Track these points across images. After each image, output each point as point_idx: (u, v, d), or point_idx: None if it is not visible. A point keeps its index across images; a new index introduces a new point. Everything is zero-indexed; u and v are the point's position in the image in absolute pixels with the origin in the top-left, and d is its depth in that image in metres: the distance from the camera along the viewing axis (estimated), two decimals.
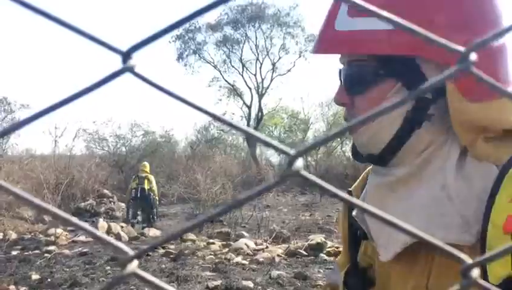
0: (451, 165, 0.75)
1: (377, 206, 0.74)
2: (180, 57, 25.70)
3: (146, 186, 11.34)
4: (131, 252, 0.23)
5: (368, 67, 0.78)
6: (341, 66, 0.85)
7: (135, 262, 0.24)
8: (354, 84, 0.82)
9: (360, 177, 0.97)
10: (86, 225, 0.25)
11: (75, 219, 0.24)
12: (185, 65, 25.80)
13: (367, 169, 0.94)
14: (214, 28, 24.69)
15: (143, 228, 10.94)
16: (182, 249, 8.03)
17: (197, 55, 25.55)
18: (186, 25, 25.04)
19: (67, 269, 6.84)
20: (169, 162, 19.99)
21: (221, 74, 25.45)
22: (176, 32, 25.35)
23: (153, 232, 10.32)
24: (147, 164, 12.10)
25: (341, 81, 0.84)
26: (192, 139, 26.37)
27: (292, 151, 0.20)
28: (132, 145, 20.90)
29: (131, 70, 0.22)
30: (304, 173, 0.20)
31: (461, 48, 0.19)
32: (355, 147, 0.86)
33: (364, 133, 0.81)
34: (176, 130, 23.13)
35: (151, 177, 11.62)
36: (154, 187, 11.60)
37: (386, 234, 0.79)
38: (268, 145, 0.21)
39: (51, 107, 0.23)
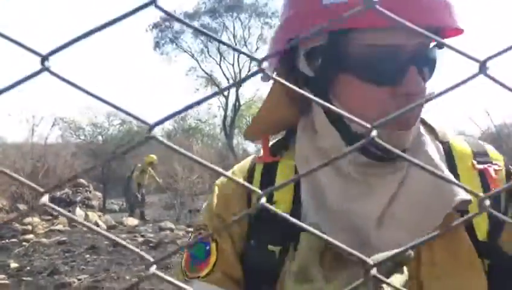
0: (431, 146, 0.79)
1: (406, 205, 0.75)
2: (157, 45, 25.46)
3: (135, 177, 11.78)
4: (151, 259, 0.29)
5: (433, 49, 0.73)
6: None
7: (154, 266, 0.30)
8: (431, 71, 0.73)
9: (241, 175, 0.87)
10: (109, 234, 0.33)
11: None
12: (162, 54, 25.59)
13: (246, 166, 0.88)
14: (191, 17, 24.49)
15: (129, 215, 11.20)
16: (162, 238, 8.08)
17: (174, 44, 25.36)
18: (163, 13, 24.79)
19: (46, 257, 6.83)
20: (146, 151, 19.85)
21: (198, 63, 25.32)
22: (152, 20, 25.12)
23: (131, 221, 10.33)
24: (151, 156, 12.53)
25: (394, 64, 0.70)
26: (169, 128, 26.23)
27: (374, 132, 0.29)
28: (109, 134, 20.72)
29: (48, 70, 0.27)
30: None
31: (479, 58, 0.28)
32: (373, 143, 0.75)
33: (414, 127, 0.74)
34: (153, 119, 22.82)
35: (146, 169, 12.12)
36: (143, 178, 12.05)
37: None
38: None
39: None
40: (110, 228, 9.59)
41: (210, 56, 25.02)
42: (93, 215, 10.21)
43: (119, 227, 9.75)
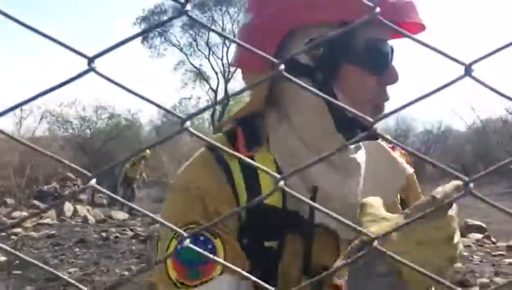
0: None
1: (370, 181, 0.86)
2: (145, 39, 25.30)
3: (127, 171, 11.85)
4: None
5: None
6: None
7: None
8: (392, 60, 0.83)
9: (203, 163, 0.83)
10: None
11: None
12: (150, 48, 25.44)
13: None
14: (180, 10, 24.33)
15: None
16: (151, 232, 8.10)
17: (162, 37, 25.22)
18: (152, 7, 24.67)
19: (36, 251, 6.82)
20: (134, 145, 19.81)
21: (187, 57, 25.21)
22: (140, 14, 24.95)
23: (121, 215, 10.32)
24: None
25: (391, 58, 0.82)
26: (157, 123, 26.13)
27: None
28: (97, 128, 20.60)
29: (94, 70, 0.31)
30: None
31: (464, 61, 0.33)
32: (355, 121, 0.80)
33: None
34: (141, 113, 22.84)
35: (138, 162, 12.16)
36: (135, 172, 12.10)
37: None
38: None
39: (34, 97, 0.32)
40: (99, 222, 9.58)
41: (199, 50, 24.95)
42: (82, 209, 10.18)
43: (109, 221, 9.74)
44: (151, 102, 0.31)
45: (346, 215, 0.74)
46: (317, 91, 0.37)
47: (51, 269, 0.34)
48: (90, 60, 0.31)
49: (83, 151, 18.41)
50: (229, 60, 0.96)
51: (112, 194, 0.33)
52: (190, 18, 0.31)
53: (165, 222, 0.34)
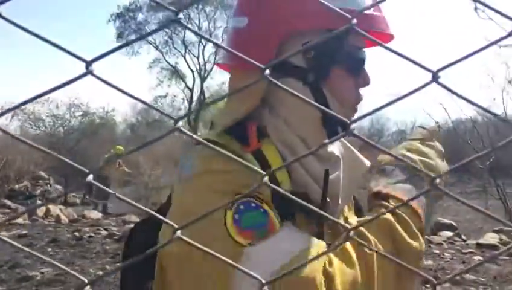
0: None
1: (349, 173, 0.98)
2: (119, 36, 25.01)
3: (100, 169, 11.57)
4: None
5: None
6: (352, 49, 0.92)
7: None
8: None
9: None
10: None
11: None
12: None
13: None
14: (155, 8, 24.19)
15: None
16: (126, 231, 8.03)
17: (137, 35, 24.97)
18: (127, 3, 24.41)
19: (7, 251, 6.68)
20: (108, 144, 19.60)
21: (163, 55, 25.06)
22: (115, 10, 24.65)
23: (95, 214, 10.20)
24: (119, 147, 12.38)
25: (363, 63, 0.95)
26: (132, 121, 25.89)
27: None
28: (70, 126, 20.26)
29: (91, 73, 0.32)
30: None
31: (433, 69, 0.36)
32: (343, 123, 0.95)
33: None
34: (115, 111, 22.55)
35: (109, 158, 11.97)
36: (109, 170, 11.87)
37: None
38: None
39: (36, 96, 0.35)
40: (72, 221, 9.44)
41: (175, 48, 24.81)
42: (55, 209, 10.02)
43: (82, 220, 9.61)
44: (149, 105, 0.34)
45: (328, 205, 0.88)
46: (305, 97, 0.40)
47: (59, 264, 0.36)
48: (88, 64, 0.33)
49: (56, 150, 18.08)
50: (213, 60, 0.98)
51: (110, 191, 0.35)
52: (183, 26, 0.33)
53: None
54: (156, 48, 24.97)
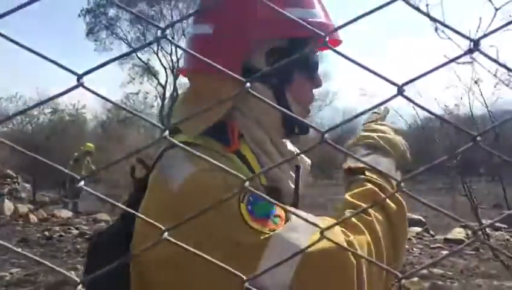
0: None
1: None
2: (90, 31, 24.59)
3: (70, 167, 11.29)
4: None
5: None
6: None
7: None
8: None
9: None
10: None
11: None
12: (96, 40, 24.78)
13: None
14: (127, 3, 23.85)
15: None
16: (96, 230, 7.94)
17: (109, 31, 24.62)
18: None
19: None
20: (78, 142, 19.25)
21: (134, 51, 24.73)
22: (85, 5, 24.21)
23: (64, 213, 10.03)
24: (89, 144, 12.14)
25: (318, 66, 1.05)
26: (102, 118, 25.51)
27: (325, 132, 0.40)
28: (39, 123, 19.81)
29: (82, 85, 0.35)
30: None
31: (398, 83, 0.40)
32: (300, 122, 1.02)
33: None
34: (85, 108, 22.12)
35: (83, 158, 11.71)
36: (79, 168, 11.58)
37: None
38: None
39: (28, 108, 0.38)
40: (41, 220, 9.27)
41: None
42: (23, 208, 9.82)
43: (52, 219, 9.44)
44: (141, 117, 0.36)
45: (287, 197, 0.97)
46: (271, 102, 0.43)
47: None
48: (79, 77, 0.35)
49: (24, 147, 17.61)
50: (180, 62, 1.01)
51: (101, 195, 0.37)
52: (170, 42, 0.36)
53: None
54: (128, 44, 24.65)
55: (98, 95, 0.34)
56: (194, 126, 0.93)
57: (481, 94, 4.02)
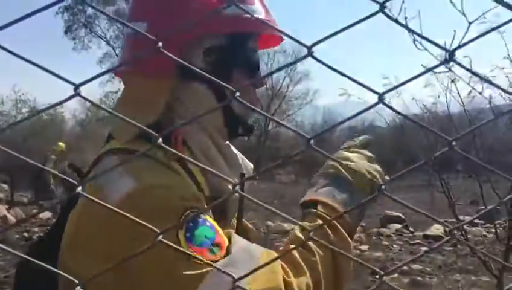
0: None
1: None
2: (68, 29, 24.23)
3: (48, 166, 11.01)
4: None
5: None
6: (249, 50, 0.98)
7: None
8: None
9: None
10: None
11: None
12: (74, 39, 24.43)
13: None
14: (106, 1, 23.58)
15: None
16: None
17: (87, 29, 24.30)
18: None
19: None
20: (56, 141, 18.97)
21: (114, 50, 24.48)
22: (63, 3, 23.81)
23: (44, 214, 9.89)
24: (60, 144, 11.87)
25: (258, 65, 1.01)
26: (81, 117, 25.20)
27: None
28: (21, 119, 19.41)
29: (79, 95, 0.37)
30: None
31: (378, 91, 0.42)
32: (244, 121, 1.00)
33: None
34: (64, 107, 21.78)
35: (50, 157, 11.39)
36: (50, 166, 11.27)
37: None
38: None
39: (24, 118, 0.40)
40: (20, 221, 9.13)
41: None
42: (1, 209, 9.65)
43: (31, 220, 9.30)
44: (137, 125, 0.37)
45: (232, 204, 0.95)
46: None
47: None
48: (76, 87, 0.37)
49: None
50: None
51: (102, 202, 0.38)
52: (166, 56, 0.37)
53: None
54: (107, 42, 24.39)
55: (93, 103, 0.36)
56: (127, 130, 0.87)
57: (458, 93, 4.10)
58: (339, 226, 0.92)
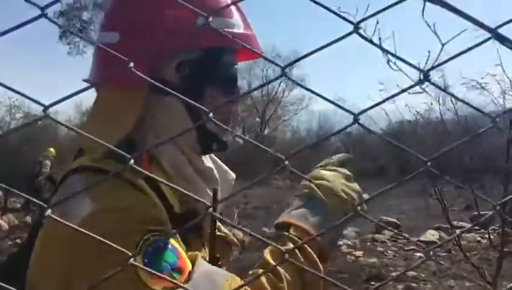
0: None
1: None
2: (63, 35, 24.22)
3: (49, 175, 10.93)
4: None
5: None
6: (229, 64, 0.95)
7: None
8: None
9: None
10: None
11: None
12: (69, 44, 24.40)
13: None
14: (101, 6, 23.59)
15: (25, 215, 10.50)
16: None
17: (83, 34, 24.28)
18: (71, 1, 23.68)
19: None
20: (51, 146, 18.90)
21: None
22: (58, 8, 23.82)
23: None
24: (51, 149, 11.78)
25: (236, 80, 0.97)
26: (76, 122, 25.12)
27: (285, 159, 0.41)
28: (10, 128, 19.42)
29: (48, 116, 0.38)
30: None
31: (354, 112, 0.42)
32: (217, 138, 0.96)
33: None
34: (58, 113, 21.69)
35: (44, 162, 11.27)
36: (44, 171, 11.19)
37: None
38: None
39: None
40: (13, 227, 9.07)
41: None
42: None
43: (24, 227, 9.25)
44: (107, 145, 0.37)
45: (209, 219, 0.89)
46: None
47: None
48: (46, 108, 0.36)
49: None
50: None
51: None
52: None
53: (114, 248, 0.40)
54: None
55: (61, 124, 0.36)
56: (96, 147, 0.83)
57: (451, 100, 4.13)
58: (309, 249, 0.88)
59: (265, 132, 25.58)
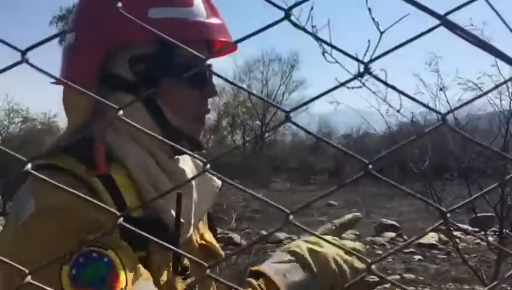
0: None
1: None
2: (62, 39, 24.19)
3: None
4: None
5: None
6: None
7: None
8: None
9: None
10: None
11: None
12: None
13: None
14: None
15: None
16: None
17: None
18: (69, 6, 23.70)
19: None
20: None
21: None
22: (57, 13, 23.86)
23: None
24: None
25: (205, 74, 0.90)
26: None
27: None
28: (9, 133, 19.38)
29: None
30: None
31: (286, 110, 0.37)
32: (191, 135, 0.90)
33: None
34: (57, 117, 21.54)
35: None
36: None
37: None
38: None
39: None
40: None
41: None
42: None
43: None
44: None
45: (182, 226, 0.83)
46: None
47: None
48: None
49: None
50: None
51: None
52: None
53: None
54: None
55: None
56: (52, 143, 0.85)
57: (447, 101, 4.09)
58: None
59: (265, 135, 25.54)
